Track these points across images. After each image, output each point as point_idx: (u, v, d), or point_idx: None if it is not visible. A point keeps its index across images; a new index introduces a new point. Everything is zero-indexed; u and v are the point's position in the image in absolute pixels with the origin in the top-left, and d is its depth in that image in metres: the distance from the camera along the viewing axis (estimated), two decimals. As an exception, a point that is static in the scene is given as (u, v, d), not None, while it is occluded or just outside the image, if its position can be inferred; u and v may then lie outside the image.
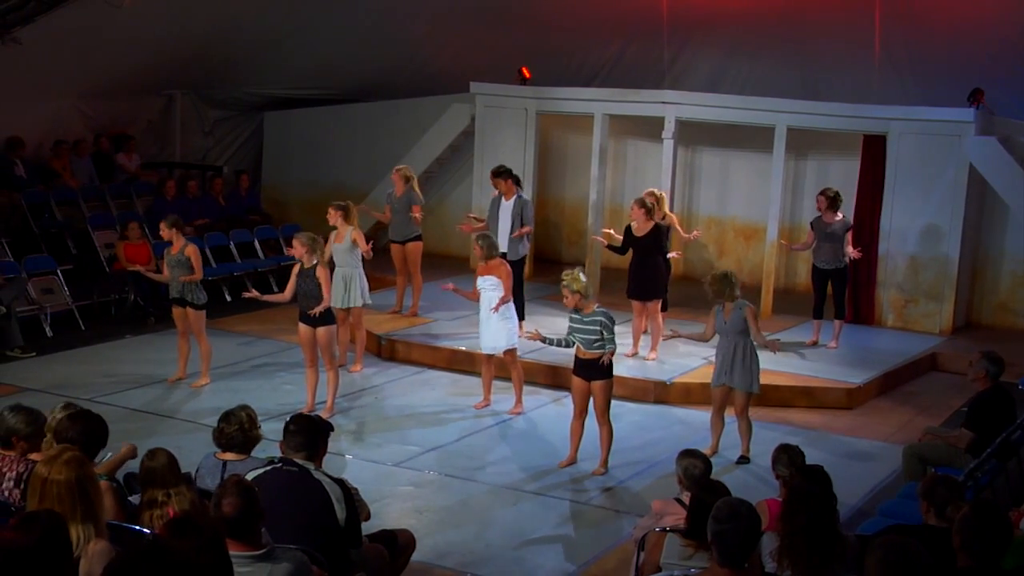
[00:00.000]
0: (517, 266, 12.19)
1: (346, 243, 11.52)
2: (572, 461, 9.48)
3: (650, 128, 15.49)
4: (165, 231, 11.12)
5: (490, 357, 10.78)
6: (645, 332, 12.28)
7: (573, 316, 9.30)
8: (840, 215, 12.71)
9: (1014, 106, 14.44)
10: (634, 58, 17.32)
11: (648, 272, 12.04)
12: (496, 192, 12.93)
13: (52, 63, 14.19)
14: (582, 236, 16.26)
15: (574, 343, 9.27)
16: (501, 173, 12.84)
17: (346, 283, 11.52)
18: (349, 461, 9.30)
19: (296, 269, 10.41)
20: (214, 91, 17.85)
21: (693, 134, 15.68)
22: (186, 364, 11.38)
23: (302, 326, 10.38)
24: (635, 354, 12.07)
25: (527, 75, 16.32)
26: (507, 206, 12.68)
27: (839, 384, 11.68)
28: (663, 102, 14.97)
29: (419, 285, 13.47)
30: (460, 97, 16.65)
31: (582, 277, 9.21)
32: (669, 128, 14.82)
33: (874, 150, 14.32)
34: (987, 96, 13.93)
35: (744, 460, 9.65)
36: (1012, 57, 14.72)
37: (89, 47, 14.32)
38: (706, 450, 9.40)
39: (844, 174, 15.14)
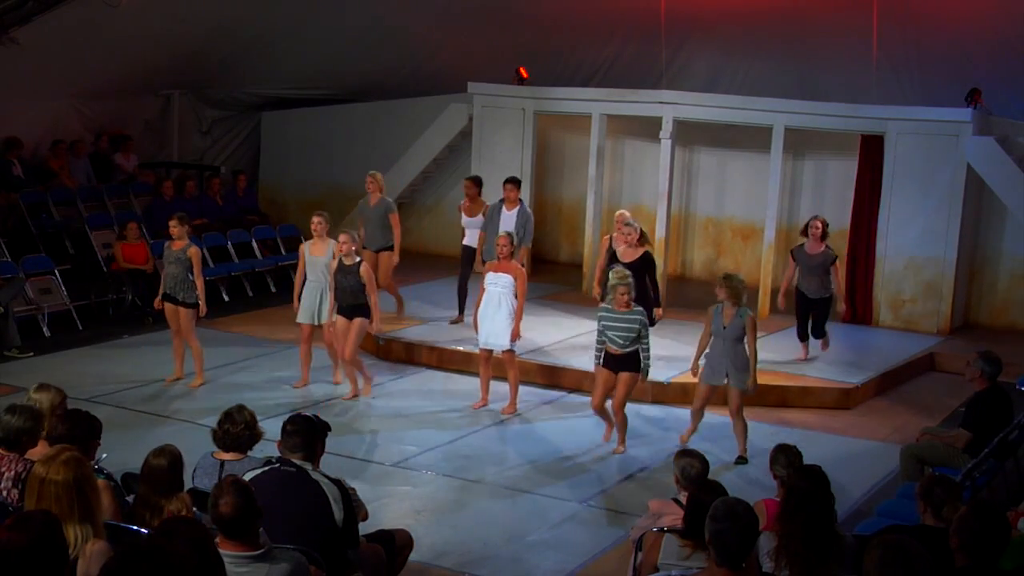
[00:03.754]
0: None
1: (327, 257, 11.02)
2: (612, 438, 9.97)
3: (648, 128, 15.49)
4: (177, 228, 11.08)
5: (488, 357, 10.78)
6: None
7: (608, 315, 9.52)
8: (824, 246, 12.19)
9: (1012, 106, 14.46)
10: (632, 58, 17.34)
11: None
12: (480, 203, 12.66)
13: (50, 63, 14.17)
14: (579, 236, 16.26)
15: (603, 342, 9.61)
16: (518, 181, 12.80)
17: (319, 298, 11.07)
18: (347, 461, 9.29)
19: (335, 264, 10.70)
20: (212, 91, 17.85)
21: (691, 134, 15.69)
22: (182, 363, 11.37)
23: (340, 319, 10.75)
24: None
25: (525, 75, 16.34)
26: (508, 216, 12.45)
27: (837, 384, 11.69)
28: (661, 102, 14.96)
29: (395, 292, 13.19)
30: (458, 97, 16.65)
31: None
32: (667, 128, 14.81)
33: (872, 150, 14.33)
34: (985, 96, 13.95)
35: (742, 460, 9.66)
36: (1010, 57, 14.73)
37: (87, 47, 14.31)
38: (682, 434, 9.94)
39: (842, 174, 15.17)
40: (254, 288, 15.56)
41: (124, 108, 16.89)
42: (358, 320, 10.70)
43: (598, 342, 9.74)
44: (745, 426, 9.73)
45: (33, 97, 15.12)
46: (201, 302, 11.15)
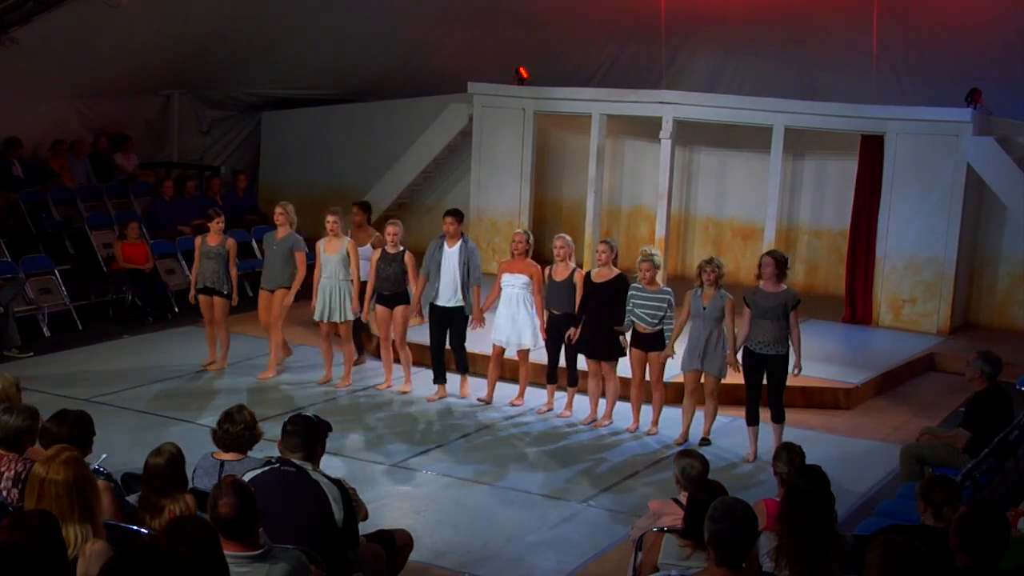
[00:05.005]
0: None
1: (341, 254, 11.04)
2: (638, 425, 10.33)
3: (648, 128, 15.50)
4: (220, 224, 11.61)
5: (502, 353, 10.86)
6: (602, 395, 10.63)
7: (637, 292, 9.94)
8: (784, 285, 9.66)
9: (1012, 106, 14.46)
10: (632, 58, 17.34)
11: (608, 327, 10.12)
12: (368, 231, 11.94)
13: (50, 63, 14.18)
14: (579, 236, 16.23)
15: (632, 322, 10.00)
16: (459, 214, 11.08)
17: (332, 297, 11.05)
18: (347, 461, 9.29)
19: (377, 255, 10.93)
20: (212, 91, 17.85)
21: (691, 134, 15.69)
22: (215, 348, 11.77)
23: (380, 308, 10.98)
24: (593, 420, 10.51)
25: (525, 75, 16.34)
26: (451, 253, 10.84)
27: (837, 384, 11.68)
28: (661, 102, 14.98)
29: (279, 342, 11.70)
30: (458, 97, 16.65)
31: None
32: (667, 128, 14.82)
33: (872, 150, 14.33)
34: (985, 96, 13.95)
35: (705, 443, 9.88)
36: (1010, 57, 14.75)
37: (87, 47, 14.32)
38: (677, 438, 10.01)
39: (842, 174, 15.16)
40: (254, 288, 15.50)
41: (124, 108, 16.88)
42: (399, 308, 10.93)
43: (628, 322, 10.06)
44: (716, 410, 10.01)
45: (33, 97, 15.11)
46: (234, 293, 11.71)
